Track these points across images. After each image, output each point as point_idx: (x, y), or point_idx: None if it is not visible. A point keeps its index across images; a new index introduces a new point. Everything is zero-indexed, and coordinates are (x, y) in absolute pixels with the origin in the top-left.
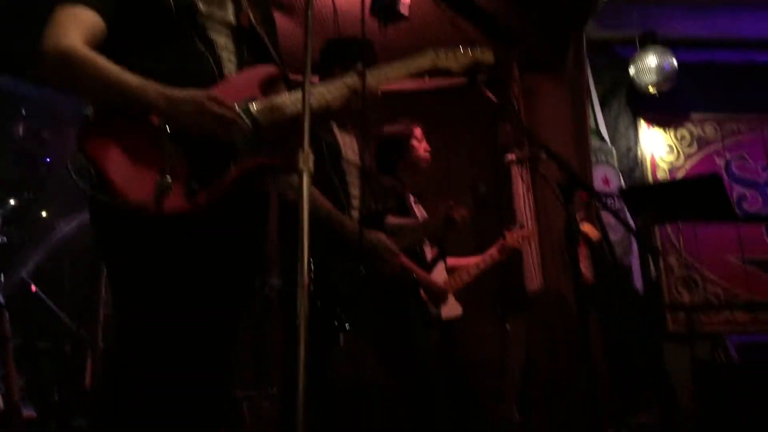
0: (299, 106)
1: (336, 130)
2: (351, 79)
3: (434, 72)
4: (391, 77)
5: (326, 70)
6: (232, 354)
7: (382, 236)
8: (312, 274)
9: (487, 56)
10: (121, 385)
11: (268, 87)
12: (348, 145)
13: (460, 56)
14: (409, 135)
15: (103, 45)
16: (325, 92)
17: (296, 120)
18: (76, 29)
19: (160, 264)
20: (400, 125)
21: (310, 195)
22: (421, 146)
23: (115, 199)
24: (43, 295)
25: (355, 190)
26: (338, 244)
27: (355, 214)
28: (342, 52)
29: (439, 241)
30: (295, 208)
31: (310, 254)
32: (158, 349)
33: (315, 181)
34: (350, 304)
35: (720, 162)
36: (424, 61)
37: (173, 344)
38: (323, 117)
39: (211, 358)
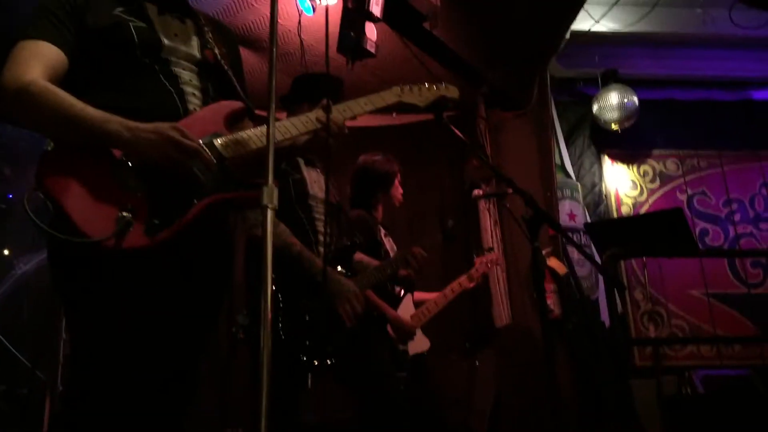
0: (264, 140)
1: (302, 167)
2: (316, 114)
3: (400, 107)
4: (357, 112)
5: (295, 105)
6: (192, 394)
7: (350, 284)
8: (281, 311)
9: (451, 92)
10: (77, 424)
11: (234, 122)
12: (315, 181)
13: (425, 92)
14: (396, 173)
15: (65, 80)
16: (291, 127)
17: (261, 154)
18: (37, 64)
19: (120, 301)
20: (385, 158)
21: (282, 232)
22: (398, 188)
23: (74, 236)
24: (1, 337)
25: (322, 227)
26: (307, 281)
27: (323, 250)
28: (311, 87)
29: (403, 279)
30: (259, 243)
31: (281, 291)
32: (115, 388)
33: (282, 218)
34: (319, 341)
35: (682, 197)
36: (390, 96)
37: (131, 383)
38: (289, 151)
39: (170, 397)
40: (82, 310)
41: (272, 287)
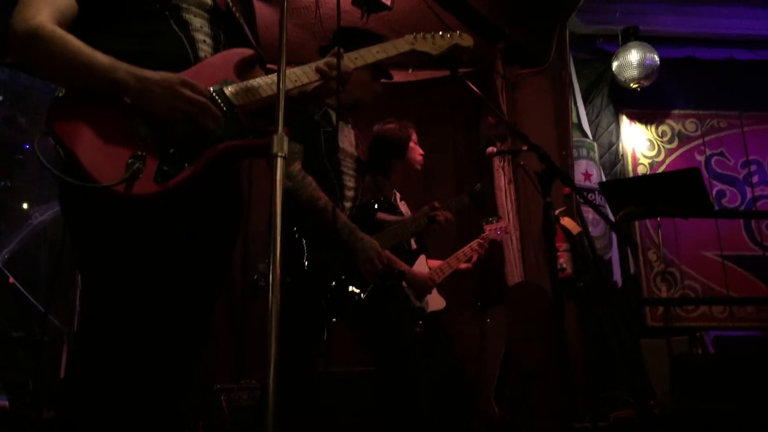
0: (275, 88)
1: (334, 120)
2: (326, 61)
3: (413, 55)
4: (368, 60)
5: None
6: (203, 342)
7: (374, 242)
8: (307, 258)
9: (465, 40)
10: (87, 370)
11: (244, 70)
12: (345, 136)
13: (439, 40)
14: (408, 138)
15: (74, 24)
16: (301, 74)
17: (272, 102)
18: (47, 8)
19: (130, 247)
20: (398, 124)
21: (308, 185)
22: (417, 150)
23: (83, 181)
24: (18, 285)
25: (349, 182)
26: (331, 233)
27: (348, 205)
28: (349, 40)
29: (421, 236)
30: (286, 194)
31: (306, 242)
32: (126, 334)
33: (311, 170)
34: (339, 292)
35: (700, 158)
36: (402, 44)
37: (141, 329)
38: (299, 99)
39: (180, 345)
40: (92, 253)
41: (296, 235)
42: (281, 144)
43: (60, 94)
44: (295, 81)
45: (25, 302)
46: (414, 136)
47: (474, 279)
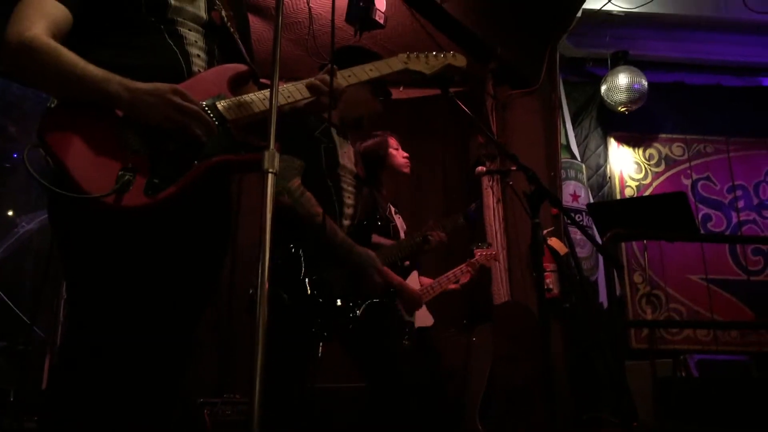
0: (267, 103)
1: (334, 136)
2: (318, 78)
3: (406, 74)
4: (361, 78)
5: None
6: (188, 355)
7: (372, 254)
8: (305, 274)
9: (459, 60)
10: (71, 381)
11: (238, 85)
12: (345, 152)
13: (432, 59)
14: (386, 147)
15: (69, 36)
16: (294, 90)
17: (264, 118)
18: (41, 20)
19: (118, 258)
20: (375, 138)
21: (307, 201)
22: (398, 154)
23: (73, 192)
24: (1, 294)
25: (349, 199)
26: (329, 250)
27: (347, 222)
28: (348, 59)
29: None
30: (284, 210)
31: (304, 259)
32: (111, 346)
33: (311, 186)
34: (335, 310)
35: (686, 182)
36: (396, 62)
37: (126, 342)
38: (290, 114)
39: (166, 358)
40: (80, 265)
41: (293, 251)
42: (272, 160)
43: (52, 105)
44: (288, 97)
45: (9, 311)
46: (392, 142)
47: (461, 297)
